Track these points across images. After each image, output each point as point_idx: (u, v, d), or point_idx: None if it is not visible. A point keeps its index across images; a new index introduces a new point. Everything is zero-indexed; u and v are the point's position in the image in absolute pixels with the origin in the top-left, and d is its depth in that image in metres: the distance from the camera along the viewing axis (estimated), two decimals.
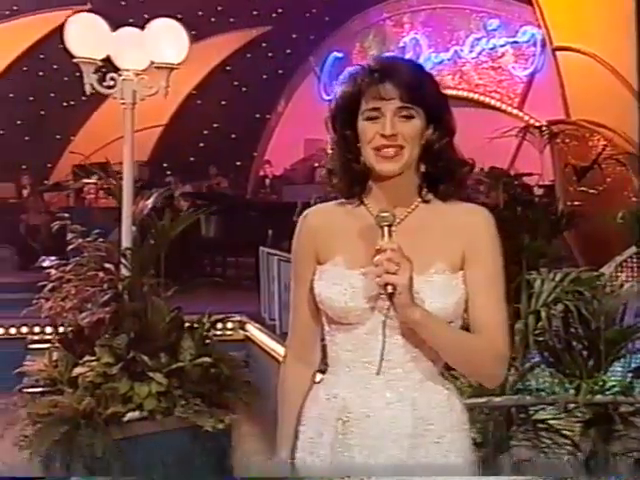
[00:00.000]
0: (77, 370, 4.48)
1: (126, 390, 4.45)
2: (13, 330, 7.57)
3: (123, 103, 4.90)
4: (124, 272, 4.76)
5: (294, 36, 14.73)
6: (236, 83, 14.41)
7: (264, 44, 14.60)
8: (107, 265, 4.79)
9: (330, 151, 1.98)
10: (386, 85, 1.84)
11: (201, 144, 14.21)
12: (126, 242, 4.83)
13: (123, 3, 14.40)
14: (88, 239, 4.89)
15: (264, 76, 14.25)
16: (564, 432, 3.91)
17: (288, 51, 14.77)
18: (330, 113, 1.95)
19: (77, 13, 5.23)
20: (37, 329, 7.22)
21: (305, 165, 13.54)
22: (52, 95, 14.04)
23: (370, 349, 1.89)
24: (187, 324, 4.85)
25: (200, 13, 14.23)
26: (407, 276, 1.76)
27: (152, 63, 4.90)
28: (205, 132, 14.34)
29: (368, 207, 1.93)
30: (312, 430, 1.97)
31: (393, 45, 14.64)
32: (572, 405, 3.89)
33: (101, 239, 4.90)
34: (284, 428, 2.04)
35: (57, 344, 4.61)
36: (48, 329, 6.12)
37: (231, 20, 14.63)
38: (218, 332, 5.92)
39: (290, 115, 14.91)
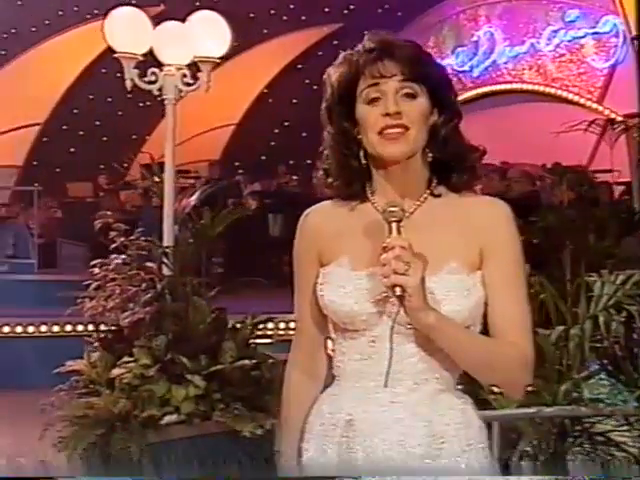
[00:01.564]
0: (115, 371, 4.35)
1: (163, 393, 4.29)
2: (80, 327, 7.55)
3: (164, 99, 4.74)
4: (166, 271, 4.60)
5: (366, 32, 14.46)
6: (307, 81, 14.23)
7: (335, 41, 14.35)
8: (148, 264, 4.64)
9: (325, 149, 1.79)
10: (385, 62, 1.68)
11: (272, 143, 14.11)
12: (168, 241, 4.68)
13: (197, 4, 14.41)
14: (131, 237, 4.76)
15: None
16: (624, 446, 3.59)
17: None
18: (325, 104, 1.76)
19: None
20: (103, 327, 7.17)
21: None
22: (129, 96, 14.15)
23: (378, 358, 1.71)
24: (232, 325, 4.68)
25: (272, 12, 14.14)
26: (418, 276, 1.59)
27: (194, 57, 4.71)
28: (276, 131, 14.24)
29: (373, 202, 1.76)
30: (315, 448, 1.78)
31: (467, 39, 14.31)
32: (633, 417, 3.58)
33: (144, 237, 4.75)
34: (286, 446, 1.86)
35: (96, 344, 4.48)
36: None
37: (302, 18, 14.49)
38: (269, 332, 5.73)
39: None
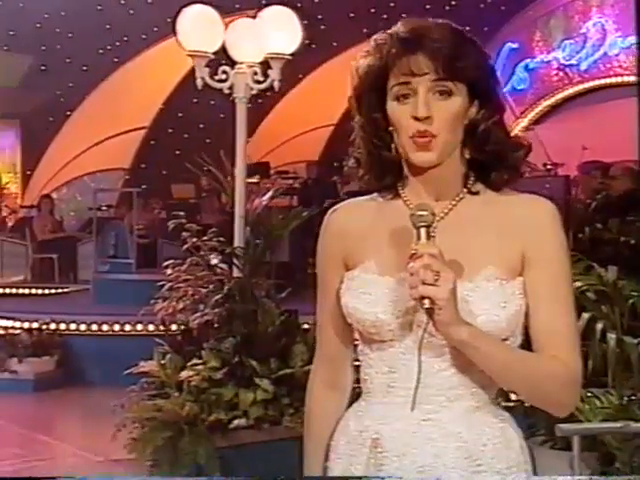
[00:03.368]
0: (183, 374, 4.25)
1: (231, 396, 4.16)
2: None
3: (235, 97, 4.61)
4: (236, 273, 4.47)
5: (467, 28, 14.04)
6: None
7: None
8: (220, 265, 4.52)
9: (356, 137, 1.61)
10: (418, 56, 1.50)
11: None
12: (238, 242, 4.54)
13: (299, 5, 14.38)
14: (204, 238, 4.65)
15: None
16: None
17: None
18: (353, 92, 1.59)
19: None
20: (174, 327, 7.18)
21: None
22: (231, 99, 14.25)
23: (408, 372, 1.54)
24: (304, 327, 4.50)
25: (372, 10, 13.92)
26: (448, 288, 1.41)
27: (265, 54, 4.56)
28: None
29: (405, 200, 1.59)
30: (341, 468, 1.62)
31: (575, 31, 13.74)
32: None
33: (216, 238, 4.64)
34: (311, 464, 1.70)
35: (166, 346, 4.39)
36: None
37: (403, 16, 14.16)
38: None
39: None
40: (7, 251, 11.66)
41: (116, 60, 14.72)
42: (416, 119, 1.50)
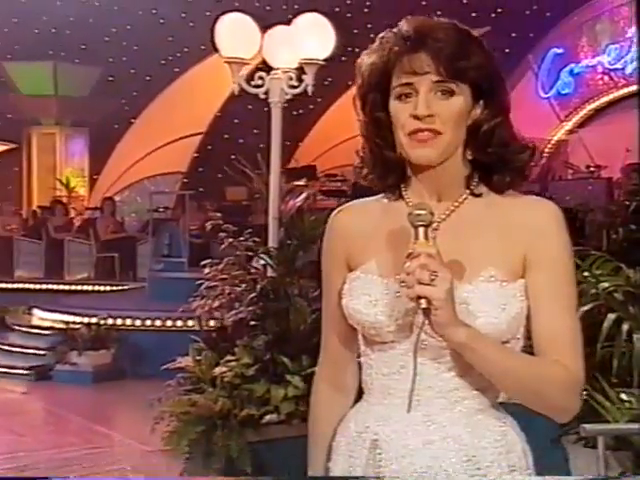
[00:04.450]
0: (217, 370, 4.19)
1: (263, 392, 4.08)
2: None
3: (270, 102, 4.54)
4: (270, 272, 4.40)
5: (513, 35, 13.83)
6: None
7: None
8: (254, 264, 4.45)
9: (361, 136, 1.54)
10: (420, 55, 1.42)
11: None
12: (272, 242, 4.47)
13: (348, 15, 14.31)
14: (240, 238, 4.59)
15: None
16: None
17: (507, 50, 13.93)
18: (357, 91, 1.52)
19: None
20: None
21: None
22: (285, 105, 14.25)
23: (407, 374, 1.47)
24: None
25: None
26: (445, 288, 1.34)
27: (299, 60, 4.48)
28: None
29: (408, 201, 1.51)
30: (341, 469, 1.56)
31: (621, 36, 13.41)
32: None
33: (252, 239, 4.58)
34: (314, 464, 1.64)
35: (201, 343, 4.34)
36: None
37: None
38: None
39: None
40: (73, 250, 11.85)
41: (176, 70, 14.87)
42: (416, 118, 1.42)
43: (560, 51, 14.03)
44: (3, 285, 11.52)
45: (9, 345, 8.96)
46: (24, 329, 9.28)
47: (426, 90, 1.42)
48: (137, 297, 9.70)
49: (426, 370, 1.45)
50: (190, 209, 10.95)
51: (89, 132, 15.34)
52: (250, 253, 4.42)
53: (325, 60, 4.51)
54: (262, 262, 4.49)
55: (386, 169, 1.50)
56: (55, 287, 11.19)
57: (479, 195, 1.49)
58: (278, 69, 4.53)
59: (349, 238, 1.55)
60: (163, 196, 12.19)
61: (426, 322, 1.37)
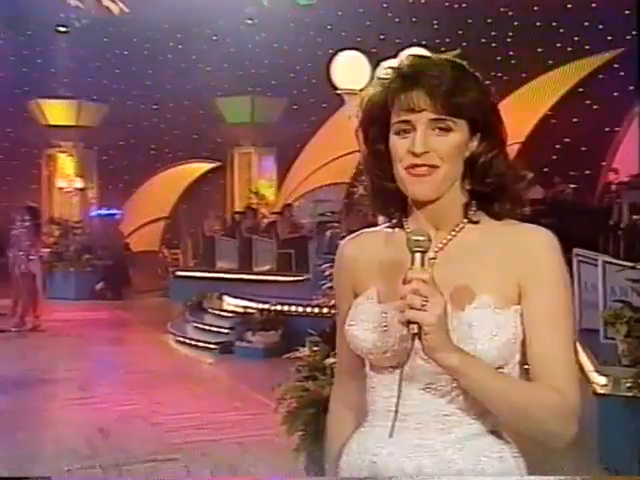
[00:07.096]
0: (328, 360, 4.02)
1: None
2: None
3: None
4: None
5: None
6: (588, 102, 12.77)
7: (616, 65, 12.68)
8: None
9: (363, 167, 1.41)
10: (416, 93, 1.26)
11: (554, 157, 12.89)
12: None
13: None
14: None
15: (615, 94, 12.37)
16: None
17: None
18: (359, 124, 1.38)
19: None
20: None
21: None
22: None
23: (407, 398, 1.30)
24: None
25: (558, 45, 12.83)
26: (436, 313, 1.18)
27: None
28: (557, 147, 12.98)
29: (407, 230, 1.35)
30: None
31: None
32: None
33: None
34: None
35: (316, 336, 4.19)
36: None
37: (586, 47, 13.02)
38: None
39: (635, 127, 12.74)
40: (259, 247, 12.20)
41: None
42: (414, 154, 1.27)
43: None
44: (207, 274, 12.13)
45: (203, 324, 9.45)
46: (216, 312, 9.72)
47: (423, 127, 1.26)
48: (304, 287, 9.81)
49: (422, 395, 1.29)
50: (352, 213, 10.88)
51: (277, 151, 15.86)
52: None
53: None
54: None
55: (386, 200, 1.36)
56: (245, 277, 11.57)
57: (477, 222, 1.33)
58: None
59: (355, 267, 1.40)
60: (333, 203, 12.27)
61: (413, 347, 1.20)
